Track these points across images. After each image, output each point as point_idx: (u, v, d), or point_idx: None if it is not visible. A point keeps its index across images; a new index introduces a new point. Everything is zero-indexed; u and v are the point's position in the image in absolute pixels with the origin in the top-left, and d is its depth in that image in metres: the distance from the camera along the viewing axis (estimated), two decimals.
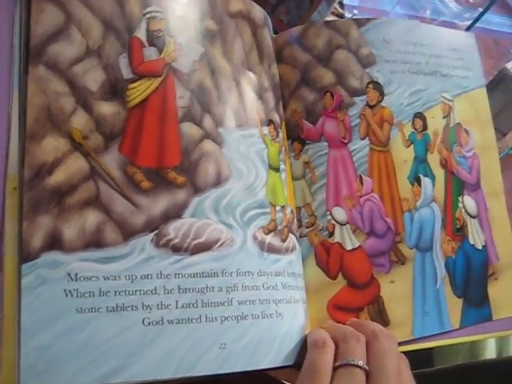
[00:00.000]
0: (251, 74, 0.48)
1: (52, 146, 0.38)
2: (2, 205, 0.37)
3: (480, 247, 0.54)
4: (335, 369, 0.40)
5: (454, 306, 0.51)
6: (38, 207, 0.37)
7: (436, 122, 0.55)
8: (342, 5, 1.13)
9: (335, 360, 0.40)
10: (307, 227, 0.48)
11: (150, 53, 0.43)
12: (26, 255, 0.36)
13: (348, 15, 1.16)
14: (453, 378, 0.49)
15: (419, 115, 0.55)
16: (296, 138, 0.50)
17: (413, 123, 0.54)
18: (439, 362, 0.64)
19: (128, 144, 0.40)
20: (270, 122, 0.48)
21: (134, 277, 0.38)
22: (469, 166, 0.57)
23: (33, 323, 0.35)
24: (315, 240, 0.48)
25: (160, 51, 0.43)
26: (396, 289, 0.48)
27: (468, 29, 1.37)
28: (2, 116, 0.39)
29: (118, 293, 0.38)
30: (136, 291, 0.38)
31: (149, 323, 0.38)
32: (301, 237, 0.48)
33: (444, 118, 0.56)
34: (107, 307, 0.37)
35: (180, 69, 0.44)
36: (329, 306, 0.46)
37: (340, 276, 0.47)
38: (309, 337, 0.43)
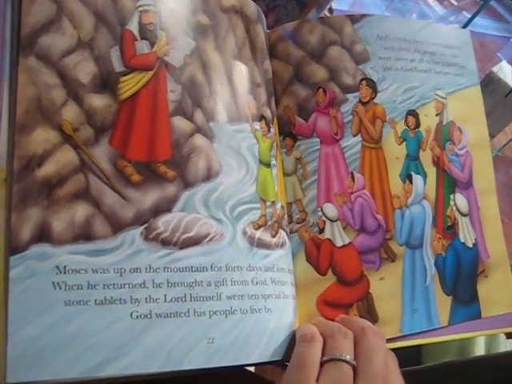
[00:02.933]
0: (243, 69, 0.47)
1: (42, 137, 0.38)
2: None
3: (471, 245, 0.54)
4: (322, 364, 0.40)
5: (442, 304, 0.51)
6: (27, 199, 0.37)
7: (429, 120, 0.55)
8: (331, 10, 1.13)
9: (323, 355, 0.41)
10: (298, 223, 0.48)
11: (142, 46, 0.43)
12: (14, 247, 0.36)
13: None
14: (441, 376, 0.49)
15: (412, 112, 0.55)
16: (288, 133, 0.50)
17: (405, 120, 0.54)
18: (428, 360, 0.65)
19: (118, 137, 0.40)
20: (261, 118, 0.48)
21: (122, 270, 0.38)
22: (461, 164, 0.57)
23: (21, 315, 0.35)
24: (305, 236, 0.48)
25: (152, 45, 0.43)
26: (385, 286, 0.49)
27: None
28: None
29: (106, 286, 0.37)
30: (125, 284, 0.38)
31: (137, 316, 0.38)
32: (291, 232, 0.48)
33: (437, 115, 0.56)
34: (95, 300, 0.37)
35: (172, 63, 0.43)
36: (318, 302, 0.47)
37: (330, 272, 0.47)
38: (297, 331, 0.43)
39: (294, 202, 0.49)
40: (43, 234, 0.37)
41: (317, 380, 0.39)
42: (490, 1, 1.59)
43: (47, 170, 0.38)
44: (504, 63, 1.83)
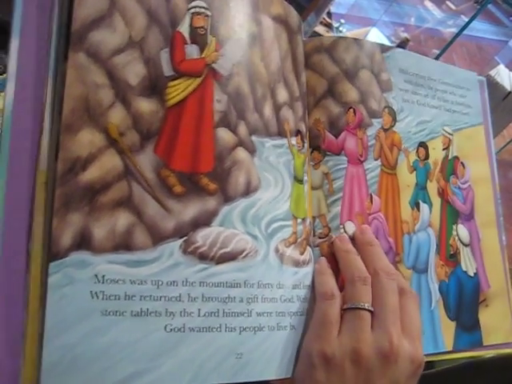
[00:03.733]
0: (285, 82, 0.47)
1: (87, 139, 0.37)
2: (31, 200, 0.36)
3: (472, 274, 0.57)
4: (344, 311, 0.44)
5: (447, 329, 0.53)
6: (69, 204, 0.36)
7: (436, 153, 0.58)
8: (329, 14, 1.12)
9: (343, 302, 0.44)
10: (320, 237, 0.49)
11: (192, 51, 0.42)
12: (54, 253, 0.35)
13: (335, 24, 1.16)
14: (457, 378, 0.52)
15: (423, 144, 0.57)
16: (316, 147, 0.51)
17: (417, 151, 0.57)
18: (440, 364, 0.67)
19: (163, 145, 0.39)
20: (297, 133, 0.47)
21: (160, 282, 0.38)
22: (463, 197, 0.59)
23: (57, 323, 0.34)
24: (327, 251, 0.49)
25: (201, 50, 0.42)
26: None
27: (456, 37, 1.39)
28: (36, 105, 0.37)
29: (143, 298, 0.37)
30: (161, 297, 0.38)
31: (171, 330, 0.38)
32: (313, 246, 0.48)
33: (444, 149, 0.59)
34: (132, 311, 0.37)
35: (219, 71, 0.42)
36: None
37: None
38: (317, 288, 0.46)
39: (317, 217, 0.49)
40: (83, 242, 0.36)
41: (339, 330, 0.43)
42: (487, 5, 1.61)
43: (91, 174, 0.37)
44: (501, 67, 1.85)
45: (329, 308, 0.44)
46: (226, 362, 0.39)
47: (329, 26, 1.10)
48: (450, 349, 0.53)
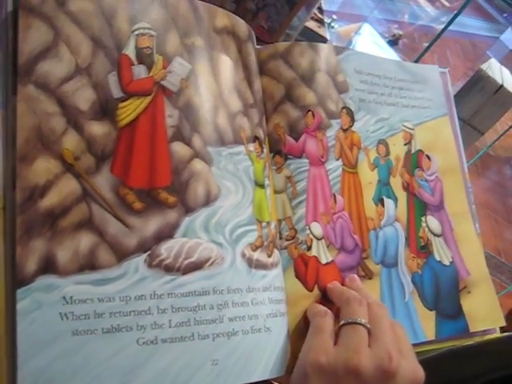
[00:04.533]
0: (237, 91, 0.48)
1: (43, 167, 0.38)
2: None
3: (447, 263, 0.57)
4: (339, 328, 0.44)
5: (426, 319, 0.54)
6: (31, 231, 0.37)
7: (397, 149, 0.59)
8: (321, 10, 1.14)
9: (339, 320, 0.44)
10: (287, 240, 0.50)
11: (139, 71, 0.43)
12: (20, 280, 0.36)
13: (327, 20, 1.17)
14: (446, 364, 0.52)
15: (382, 142, 0.58)
16: (278, 151, 0.52)
17: (377, 149, 0.58)
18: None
19: (119, 165, 0.41)
20: (255, 139, 0.48)
21: (128, 298, 0.39)
22: (431, 189, 0.60)
23: (29, 347, 0.35)
24: (295, 253, 0.49)
25: (149, 69, 0.43)
26: None
27: (442, 31, 1.40)
28: None
29: (112, 314, 0.38)
30: (130, 312, 0.39)
31: (143, 343, 0.39)
32: (281, 249, 0.49)
33: (405, 144, 0.60)
34: (102, 328, 0.38)
35: (169, 87, 0.44)
36: (306, 317, 0.48)
37: (316, 288, 0.49)
38: (309, 310, 0.47)
39: (283, 219, 0.50)
40: (48, 266, 0.37)
41: (335, 344, 0.42)
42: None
43: (50, 200, 0.38)
44: (492, 60, 1.87)
45: (323, 321, 0.45)
46: (201, 370, 0.40)
47: (320, 21, 1.11)
48: (433, 338, 0.53)
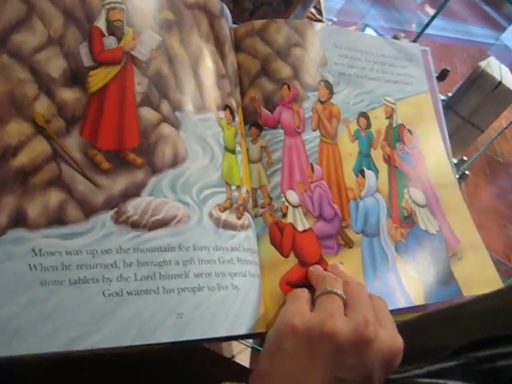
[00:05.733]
0: (208, 62, 0.50)
1: (16, 129, 0.41)
2: None
3: (434, 232, 0.58)
4: (316, 298, 0.44)
5: (413, 284, 0.54)
6: (3, 187, 0.39)
7: (379, 122, 0.60)
8: (319, 11, 1.14)
9: (316, 293, 0.45)
10: (262, 207, 0.51)
11: (110, 42, 0.45)
12: None
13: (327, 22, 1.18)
14: (421, 330, 0.52)
15: (363, 114, 0.60)
16: (254, 123, 0.53)
17: (358, 121, 0.59)
18: None
19: (89, 128, 0.43)
20: (226, 107, 0.50)
21: (95, 251, 0.41)
22: (413, 161, 0.61)
23: (0, 296, 0.37)
24: (270, 220, 0.51)
25: (119, 40, 0.46)
26: (345, 270, 0.51)
27: (418, 36, 1.42)
28: None
29: (79, 266, 0.40)
30: (97, 265, 0.40)
31: (109, 294, 0.40)
32: (256, 216, 0.51)
33: (387, 118, 0.61)
34: (70, 280, 0.39)
35: (138, 56, 0.46)
36: (281, 282, 0.49)
37: (292, 255, 0.50)
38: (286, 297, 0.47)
39: (259, 188, 0.52)
40: (19, 220, 0.39)
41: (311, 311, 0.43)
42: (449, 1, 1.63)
43: (22, 159, 0.40)
44: (491, 58, 1.86)
45: (300, 291, 0.46)
46: (166, 322, 0.41)
47: (320, 22, 1.12)
48: (421, 303, 0.53)
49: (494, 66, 1.74)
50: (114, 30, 0.46)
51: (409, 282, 0.54)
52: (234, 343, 0.57)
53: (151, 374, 0.57)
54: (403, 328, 0.47)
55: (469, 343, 0.45)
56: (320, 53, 0.58)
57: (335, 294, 0.43)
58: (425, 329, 0.51)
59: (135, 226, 0.42)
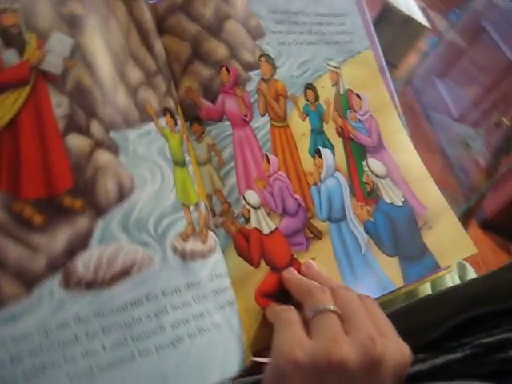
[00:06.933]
0: (135, 59, 0.41)
1: None
2: None
3: (400, 203, 0.53)
4: (310, 320, 0.39)
5: (389, 266, 0.50)
6: None
7: (326, 91, 0.53)
8: None
9: (307, 313, 0.39)
10: (222, 216, 0.44)
11: (9, 56, 0.35)
12: None
13: None
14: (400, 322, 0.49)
15: (310, 86, 0.52)
16: (195, 118, 0.45)
17: (305, 95, 0.52)
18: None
19: (6, 177, 0.34)
20: (165, 111, 0.42)
21: (48, 329, 0.33)
22: (367, 130, 0.55)
23: None
24: (232, 228, 0.44)
25: (21, 52, 0.35)
26: (319, 264, 0.47)
27: None
28: None
29: (33, 353, 0.32)
30: (54, 345, 0.33)
31: (76, 376, 0.33)
32: (217, 227, 0.44)
33: (333, 86, 0.54)
34: (24, 372, 0.32)
35: (50, 70, 0.36)
36: (257, 296, 0.44)
37: (262, 262, 0.45)
38: (269, 311, 0.42)
39: (213, 194, 0.45)
40: None
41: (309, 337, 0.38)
42: None
43: None
44: None
45: (289, 314, 0.40)
46: None
47: None
48: (402, 285, 0.50)
49: (399, 0, 1.74)
50: (11, 39, 0.35)
51: (385, 264, 0.50)
52: None
53: None
54: (399, 315, 0.45)
55: (466, 319, 0.44)
56: (255, 22, 0.50)
57: (330, 311, 0.38)
58: (423, 309, 0.49)
59: (90, 286, 0.35)
